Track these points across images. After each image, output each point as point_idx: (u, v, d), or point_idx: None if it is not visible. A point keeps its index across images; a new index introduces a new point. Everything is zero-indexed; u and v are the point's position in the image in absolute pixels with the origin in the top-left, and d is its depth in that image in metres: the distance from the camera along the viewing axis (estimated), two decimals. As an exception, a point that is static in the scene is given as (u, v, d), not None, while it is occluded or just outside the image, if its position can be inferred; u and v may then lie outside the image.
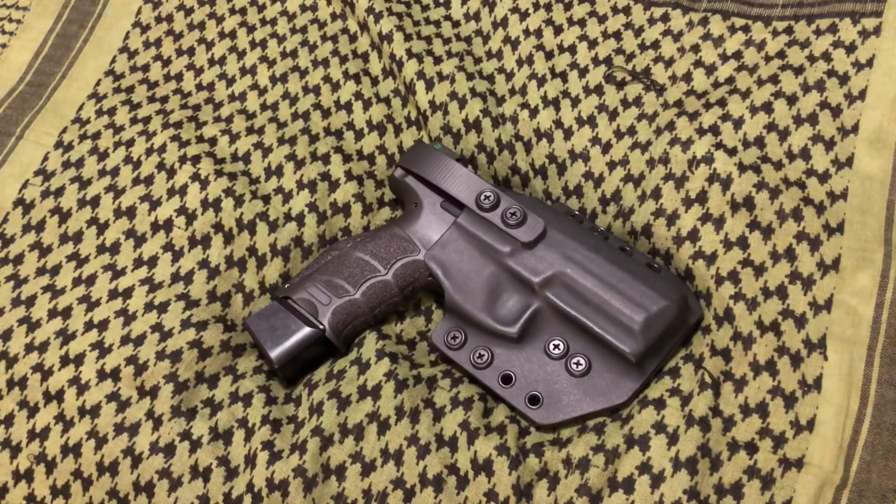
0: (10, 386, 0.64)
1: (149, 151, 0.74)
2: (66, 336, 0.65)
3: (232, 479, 0.59)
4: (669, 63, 0.73)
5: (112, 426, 0.61)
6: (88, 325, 0.65)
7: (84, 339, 0.65)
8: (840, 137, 0.66)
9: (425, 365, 0.64)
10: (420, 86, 0.74)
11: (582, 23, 0.76)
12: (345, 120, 0.76)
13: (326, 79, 0.77)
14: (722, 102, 0.69)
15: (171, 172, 0.72)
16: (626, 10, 0.76)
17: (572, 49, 0.75)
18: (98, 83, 0.81)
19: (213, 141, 0.75)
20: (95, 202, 0.72)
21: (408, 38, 0.76)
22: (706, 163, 0.66)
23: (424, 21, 0.79)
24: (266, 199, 0.71)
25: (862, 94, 0.68)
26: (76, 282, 0.68)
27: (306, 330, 0.63)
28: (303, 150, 0.73)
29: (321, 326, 0.63)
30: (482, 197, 0.65)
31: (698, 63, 0.73)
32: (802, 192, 0.65)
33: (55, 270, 0.69)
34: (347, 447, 0.59)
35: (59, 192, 0.73)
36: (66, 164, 0.75)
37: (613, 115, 0.71)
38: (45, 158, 0.76)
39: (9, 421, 0.63)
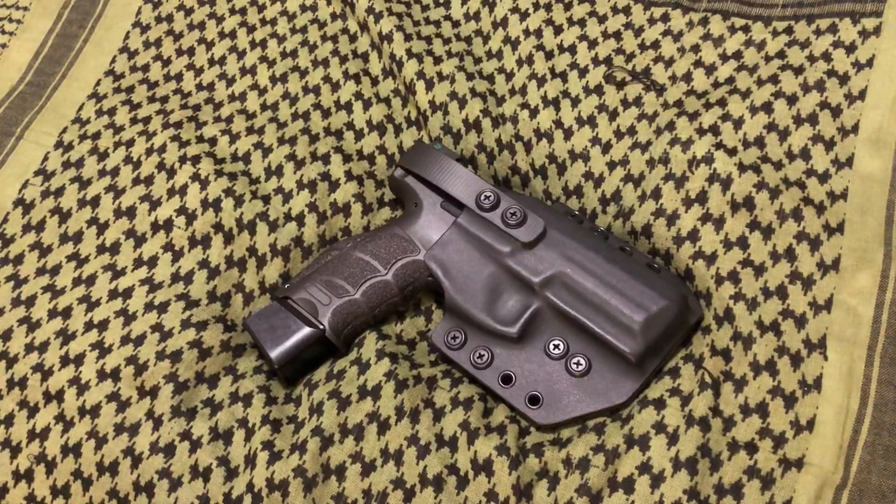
0: (10, 386, 0.64)
1: (149, 151, 0.74)
2: (66, 336, 0.65)
3: (232, 479, 0.59)
4: (669, 63, 0.73)
5: (112, 426, 0.61)
6: (88, 325, 0.65)
7: (84, 339, 0.65)
8: (840, 137, 0.66)
9: (425, 365, 0.64)
10: (420, 86, 0.74)
11: (582, 23, 0.76)
12: (345, 120, 0.76)
13: (326, 79, 0.77)
14: (722, 102, 0.69)
15: (171, 172, 0.72)
16: (626, 10, 0.76)
17: (572, 49, 0.75)
18: (98, 83, 0.81)
19: (213, 141, 0.75)
20: (95, 202, 0.72)
21: (408, 38, 0.76)
22: (706, 163, 0.66)
23: (424, 21, 0.79)
24: (266, 199, 0.71)
25: (862, 94, 0.68)
26: (76, 282, 0.68)
27: (306, 330, 0.63)
28: (303, 150, 0.73)
29: (321, 326, 0.63)
30: (482, 197, 0.65)
31: (698, 63, 0.73)
32: (802, 192, 0.65)
33: (55, 270, 0.69)
34: (347, 447, 0.59)
35: (59, 192, 0.73)
36: (66, 164, 0.75)
37: (613, 115, 0.71)
38: (45, 158, 0.76)
39: (9, 421, 0.63)
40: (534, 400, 0.60)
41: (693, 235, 0.64)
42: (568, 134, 0.71)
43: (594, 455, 0.57)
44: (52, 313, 0.67)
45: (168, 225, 0.70)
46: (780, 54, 0.71)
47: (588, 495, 0.56)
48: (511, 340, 0.62)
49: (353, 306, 0.64)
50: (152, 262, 0.68)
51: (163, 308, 0.66)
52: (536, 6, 0.77)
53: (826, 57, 0.70)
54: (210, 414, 0.61)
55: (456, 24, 0.80)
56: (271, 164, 0.73)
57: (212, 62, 0.80)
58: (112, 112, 0.78)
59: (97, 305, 0.67)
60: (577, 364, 0.60)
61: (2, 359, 0.65)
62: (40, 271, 0.70)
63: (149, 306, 0.66)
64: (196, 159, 0.72)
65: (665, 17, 0.75)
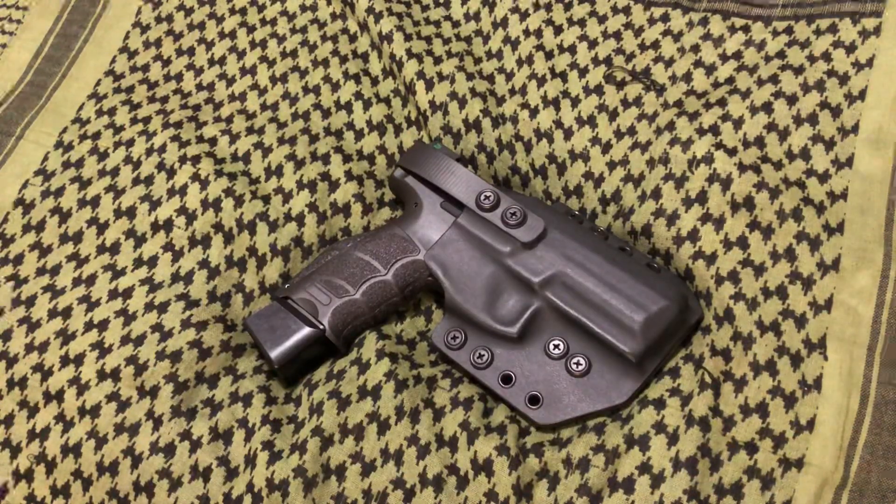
0: (10, 386, 0.64)
1: (149, 151, 0.74)
2: (66, 336, 0.65)
3: (232, 479, 0.59)
4: (669, 63, 0.73)
5: (112, 426, 0.61)
6: (88, 325, 0.65)
7: (84, 339, 0.65)
8: (840, 137, 0.66)
9: (425, 365, 0.64)
10: (420, 86, 0.74)
11: (582, 23, 0.76)
12: (345, 120, 0.76)
13: (326, 79, 0.77)
14: (722, 102, 0.69)
15: (171, 172, 0.72)
16: (626, 10, 0.76)
17: (572, 49, 0.75)
18: (98, 83, 0.81)
19: (213, 141, 0.75)
20: (95, 202, 0.72)
21: (408, 38, 0.76)
22: (706, 163, 0.66)
23: (424, 21, 0.79)
24: (266, 199, 0.71)
25: (862, 94, 0.68)
26: (76, 282, 0.68)
27: (306, 330, 0.63)
28: (303, 150, 0.73)
29: (321, 326, 0.63)
30: (482, 197, 0.65)
31: (698, 63, 0.73)
32: (802, 192, 0.65)
33: (55, 270, 0.69)
34: (347, 447, 0.59)
35: (59, 192, 0.73)
36: (66, 164, 0.75)
37: (613, 115, 0.71)
38: (45, 158, 0.76)
39: (9, 421, 0.63)
40: (534, 400, 0.60)
41: (693, 235, 0.64)
42: (568, 134, 0.71)
43: (594, 455, 0.57)
44: (52, 313, 0.67)
45: (168, 225, 0.70)
46: (780, 54, 0.71)
47: (588, 495, 0.56)
48: (511, 340, 0.62)
49: (353, 306, 0.64)
50: (152, 262, 0.68)
51: (163, 308, 0.66)
52: (536, 6, 0.77)
53: (826, 57, 0.70)
54: (210, 414, 0.61)
55: (456, 24, 0.80)
56: (271, 164, 0.73)
57: (212, 62, 0.80)
58: (112, 112, 0.78)
59: (97, 305, 0.67)
60: (577, 364, 0.60)
61: (2, 359, 0.65)
62: (40, 271, 0.70)
63: (149, 306, 0.66)
64: (196, 159, 0.72)
65: (665, 17, 0.75)
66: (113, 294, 0.67)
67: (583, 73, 0.74)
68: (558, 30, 0.76)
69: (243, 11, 0.82)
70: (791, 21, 0.72)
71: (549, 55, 0.75)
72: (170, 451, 0.60)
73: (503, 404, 0.61)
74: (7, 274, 0.70)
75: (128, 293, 0.67)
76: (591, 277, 0.61)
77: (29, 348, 0.65)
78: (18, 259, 0.70)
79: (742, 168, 0.65)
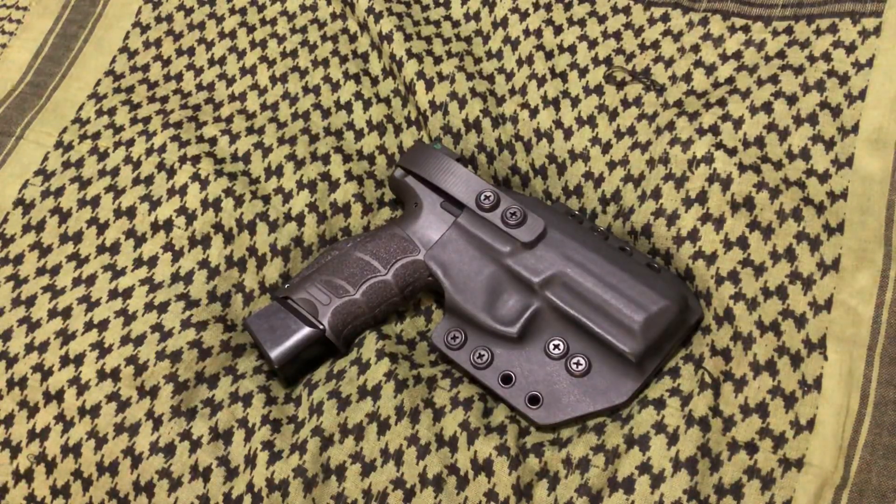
0: (10, 386, 0.64)
1: (149, 151, 0.74)
2: (66, 336, 0.65)
3: (232, 479, 0.59)
4: (669, 63, 0.73)
5: (112, 426, 0.61)
6: (88, 325, 0.65)
7: (84, 339, 0.65)
8: (840, 137, 0.66)
9: (425, 365, 0.64)
10: (420, 86, 0.74)
11: (582, 23, 0.76)
12: (345, 120, 0.76)
13: (326, 79, 0.77)
14: (722, 102, 0.69)
15: (171, 172, 0.72)
16: (626, 10, 0.76)
17: (572, 49, 0.75)
18: (98, 83, 0.81)
19: (213, 141, 0.75)
20: (95, 202, 0.72)
21: (408, 38, 0.76)
22: (706, 163, 0.66)
23: (424, 21, 0.79)
24: (266, 199, 0.71)
25: (862, 94, 0.68)
26: (76, 282, 0.68)
27: (306, 330, 0.63)
28: (303, 150, 0.73)
29: (321, 326, 0.63)
30: (482, 197, 0.65)
31: (698, 63, 0.73)
32: (802, 192, 0.65)
33: (55, 270, 0.69)
34: (347, 447, 0.59)
35: (59, 192, 0.73)
36: (66, 164, 0.75)
37: (613, 115, 0.71)
38: (45, 158, 0.76)
39: (9, 421, 0.63)
40: (534, 400, 0.60)
41: (693, 235, 0.64)
42: (568, 134, 0.71)
43: (594, 455, 0.57)
44: (52, 313, 0.67)
45: (168, 225, 0.70)
46: (780, 54, 0.71)
47: (588, 495, 0.56)
48: (511, 340, 0.62)
49: (353, 306, 0.64)
50: (152, 262, 0.68)
51: (163, 308, 0.66)
52: (536, 6, 0.77)
53: (826, 57, 0.70)
54: (210, 414, 0.61)
55: (456, 24, 0.80)
56: (271, 164, 0.73)
57: (212, 62, 0.80)
58: (112, 112, 0.78)
59: (97, 305, 0.67)
60: (577, 364, 0.60)
61: (2, 359, 0.65)
62: (40, 271, 0.70)
63: (149, 306, 0.66)
64: (196, 159, 0.72)
65: (665, 17, 0.75)
66: (113, 294, 0.67)
67: (583, 73, 0.74)
68: (558, 30, 0.76)
69: (243, 11, 0.82)
70: (791, 21, 0.72)
71: (549, 55, 0.75)
72: (170, 451, 0.60)
73: (503, 404, 0.61)
74: (7, 274, 0.70)
75: (128, 293, 0.67)
76: (591, 277, 0.61)
77: (29, 348, 0.65)
78: (18, 259, 0.70)
79: (742, 168, 0.65)
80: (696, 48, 0.73)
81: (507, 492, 0.56)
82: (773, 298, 0.61)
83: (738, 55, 0.72)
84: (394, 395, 0.60)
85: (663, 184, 0.66)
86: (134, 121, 0.76)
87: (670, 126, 0.69)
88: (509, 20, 0.77)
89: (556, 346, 0.61)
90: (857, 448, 0.57)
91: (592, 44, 0.75)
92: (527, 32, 0.76)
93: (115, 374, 0.63)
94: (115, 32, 0.84)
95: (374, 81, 0.77)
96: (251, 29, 0.81)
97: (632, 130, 0.70)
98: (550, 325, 0.62)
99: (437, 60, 0.75)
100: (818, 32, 0.71)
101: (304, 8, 0.82)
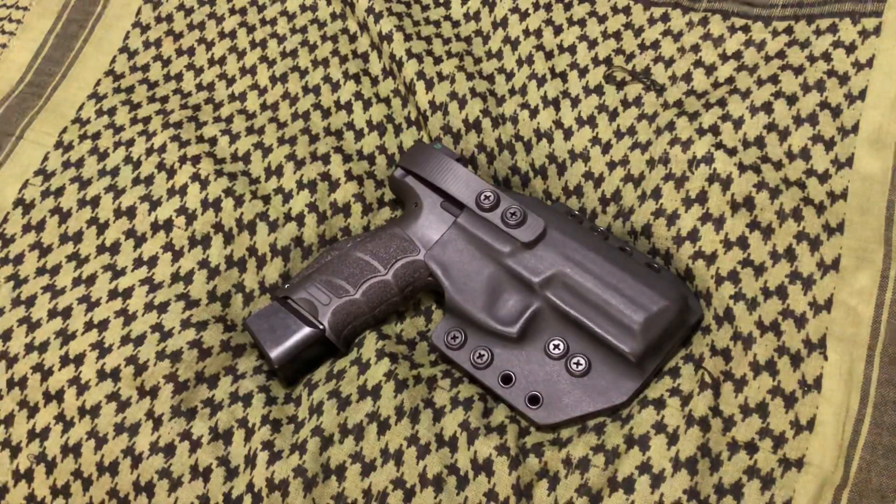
0: (10, 386, 0.64)
1: (149, 151, 0.74)
2: (66, 336, 0.65)
3: (232, 479, 0.59)
4: (669, 63, 0.73)
5: (112, 426, 0.61)
6: (88, 325, 0.66)
7: (84, 339, 0.65)
8: (840, 137, 0.66)
9: (425, 365, 0.64)
10: (420, 86, 0.74)
11: (582, 23, 0.76)
12: (345, 120, 0.76)
13: (326, 79, 0.77)
14: (722, 102, 0.69)
15: (171, 172, 0.72)
16: (626, 10, 0.76)
17: (572, 49, 0.75)
18: (98, 83, 0.81)
19: (213, 141, 0.75)
20: (95, 202, 0.72)
21: (408, 38, 0.76)
22: (706, 163, 0.66)
23: (424, 21, 0.79)
24: (266, 199, 0.71)
25: (862, 94, 0.68)
26: (76, 282, 0.68)
27: (306, 330, 0.63)
28: (303, 150, 0.73)
29: (321, 326, 0.63)
30: (482, 197, 0.65)
31: (698, 63, 0.73)
32: (802, 192, 0.65)
33: (55, 270, 0.69)
34: (347, 447, 0.59)
35: (59, 192, 0.73)
36: (66, 164, 0.75)
37: (613, 115, 0.71)
38: (45, 158, 0.76)
39: (9, 421, 0.63)
40: (534, 400, 0.60)
41: (693, 235, 0.64)
42: (568, 134, 0.71)
43: (594, 455, 0.57)
44: (52, 313, 0.67)
45: (168, 225, 0.70)
46: (780, 54, 0.71)
47: (588, 495, 0.56)
48: (511, 340, 0.62)
49: (353, 306, 0.64)
50: (152, 262, 0.68)
51: (163, 308, 0.66)
52: (536, 6, 0.77)
53: (826, 57, 0.70)
54: (210, 414, 0.61)
55: (456, 24, 0.80)
56: (271, 164, 0.73)
57: (212, 62, 0.80)
58: (112, 112, 0.78)
59: (97, 305, 0.67)
60: (577, 364, 0.60)
61: (2, 359, 0.65)
62: (40, 271, 0.70)
63: (149, 306, 0.66)
64: (196, 159, 0.72)
65: (665, 17, 0.75)
66: (113, 294, 0.67)
67: (583, 73, 0.74)
68: (558, 30, 0.76)
69: (243, 11, 0.82)
70: (791, 21, 0.72)
71: (549, 55, 0.75)
72: (170, 451, 0.60)
73: (503, 404, 0.61)
74: (7, 274, 0.70)
75: (128, 293, 0.67)
76: (591, 277, 0.61)
77: (29, 348, 0.65)
78: (18, 259, 0.70)
79: (742, 168, 0.65)
80: (696, 48, 0.73)
81: (507, 492, 0.56)
82: (773, 298, 0.61)
83: (738, 55, 0.72)
84: (394, 394, 0.60)
85: (663, 184, 0.66)
86: (134, 121, 0.76)
87: (670, 126, 0.69)
88: (509, 20, 0.77)
89: (556, 346, 0.61)
90: (857, 448, 0.57)
91: (592, 44, 0.75)
92: (527, 32, 0.76)
93: (115, 374, 0.63)
94: (115, 32, 0.84)
95: (374, 81, 0.77)
96: (251, 29, 0.81)
97: (632, 130, 0.70)
98: (550, 325, 0.62)
99: (437, 60, 0.75)
100: (818, 32, 0.71)
101: (303, 8, 0.82)
